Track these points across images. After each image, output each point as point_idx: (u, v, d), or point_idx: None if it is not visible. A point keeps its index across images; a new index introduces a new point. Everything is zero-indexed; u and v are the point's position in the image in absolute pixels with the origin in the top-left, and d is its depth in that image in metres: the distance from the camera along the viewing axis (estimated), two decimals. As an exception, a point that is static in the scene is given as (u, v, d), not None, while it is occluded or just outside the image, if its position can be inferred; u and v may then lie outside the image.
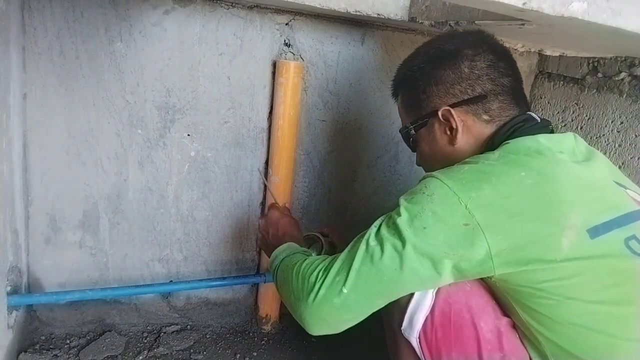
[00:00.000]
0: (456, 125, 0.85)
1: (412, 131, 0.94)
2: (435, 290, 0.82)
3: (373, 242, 0.75)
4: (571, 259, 0.69)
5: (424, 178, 0.79)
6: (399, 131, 1.00)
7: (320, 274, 0.78)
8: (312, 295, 0.77)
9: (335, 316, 0.77)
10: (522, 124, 0.83)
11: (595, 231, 0.71)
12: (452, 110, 0.85)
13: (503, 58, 0.87)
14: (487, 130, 0.86)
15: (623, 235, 0.72)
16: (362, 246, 0.76)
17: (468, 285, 0.81)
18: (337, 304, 0.75)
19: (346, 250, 0.79)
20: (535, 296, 0.72)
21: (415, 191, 0.77)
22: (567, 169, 0.76)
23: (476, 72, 0.85)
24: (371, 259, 0.74)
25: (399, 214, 0.74)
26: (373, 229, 0.77)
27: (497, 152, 0.78)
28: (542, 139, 0.79)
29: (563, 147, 0.80)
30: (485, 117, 0.85)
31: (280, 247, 0.98)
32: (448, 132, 0.88)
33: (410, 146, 0.98)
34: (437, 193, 0.73)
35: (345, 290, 0.74)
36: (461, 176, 0.74)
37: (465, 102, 0.85)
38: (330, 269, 0.77)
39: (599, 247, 0.70)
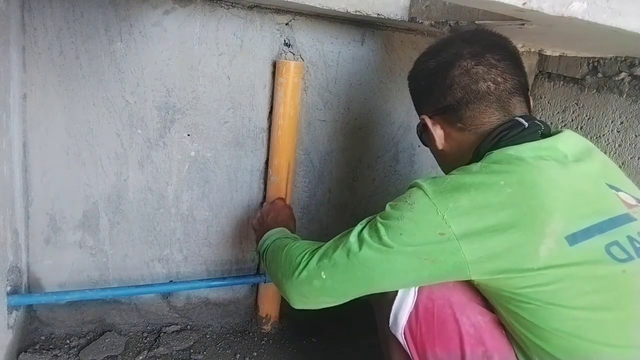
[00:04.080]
0: (432, 133, 0.91)
1: (418, 132, 1.00)
2: (418, 287, 0.84)
3: (353, 238, 0.80)
4: (549, 266, 0.70)
5: (411, 186, 0.82)
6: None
7: (306, 256, 0.85)
8: (296, 274, 0.85)
9: (314, 296, 0.85)
10: (506, 132, 0.82)
11: (574, 238, 0.71)
12: (427, 119, 0.91)
13: (489, 60, 0.83)
14: (467, 137, 0.87)
15: (604, 241, 0.72)
16: (344, 240, 0.81)
17: (451, 282, 0.82)
18: (316, 286, 0.83)
19: (332, 240, 0.85)
20: (515, 300, 0.73)
21: (400, 199, 0.81)
22: (550, 174, 0.75)
23: (447, 81, 0.86)
24: (348, 254, 0.79)
25: (381, 217, 0.80)
26: (358, 227, 0.82)
27: (479, 163, 0.79)
28: (526, 147, 0.78)
29: (549, 152, 0.79)
30: (459, 125, 0.87)
31: (275, 229, 1.08)
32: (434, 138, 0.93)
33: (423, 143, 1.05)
34: (418, 202, 0.77)
35: (323, 276, 0.82)
36: (442, 187, 0.76)
37: (437, 111, 0.90)
38: (314, 254, 0.85)
39: (578, 254, 0.70)
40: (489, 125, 0.85)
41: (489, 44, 0.86)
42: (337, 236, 0.86)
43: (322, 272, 0.81)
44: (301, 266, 0.84)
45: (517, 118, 0.83)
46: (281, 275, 0.89)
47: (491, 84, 0.84)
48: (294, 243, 0.93)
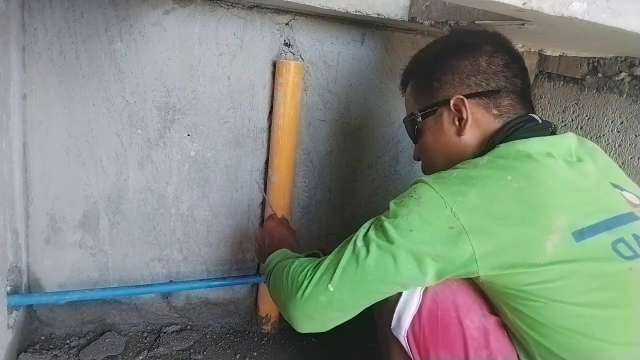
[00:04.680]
0: (467, 116, 0.86)
1: (419, 119, 0.94)
2: (423, 290, 0.83)
3: (360, 243, 0.77)
4: (555, 262, 0.70)
5: (414, 182, 0.80)
6: (404, 120, 1.00)
7: (309, 272, 0.80)
8: (300, 292, 0.79)
9: (321, 313, 0.80)
10: (522, 125, 0.84)
11: (580, 234, 0.71)
12: (466, 100, 0.86)
13: (517, 61, 0.90)
14: (494, 125, 0.87)
15: (610, 238, 0.72)
16: (350, 246, 0.78)
17: (455, 284, 0.82)
18: (323, 302, 0.78)
19: (335, 251, 0.81)
20: (520, 298, 0.73)
21: (405, 195, 0.79)
22: (556, 172, 0.76)
23: (493, 67, 0.87)
24: (357, 259, 0.76)
25: (387, 217, 0.77)
26: (362, 231, 0.79)
27: (486, 157, 0.79)
28: (535, 142, 0.80)
29: (557, 149, 0.80)
30: (495, 111, 0.87)
31: (274, 253, 1.00)
32: (456, 123, 0.88)
33: (413, 136, 0.98)
34: (425, 197, 0.75)
35: (331, 288, 0.76)
36: (449, 181, 0.76)
37: (479, 94, 0.86)
38: (318, 268, 0.80)
39: (584, 251, 0.70)
40: (514, 116, 0.87)
41: (512, 49, 0.92)
42: (338, 247, 0.82)
43: (329, 285, 0.76)
44: (304, 283, 0.79)
45: (531, 114, 0.88)
46: (284, 297, 0.83)
47: (522, 81, 0.89)
48: (293, 262, 0.87)
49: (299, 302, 0.79)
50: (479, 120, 0.87)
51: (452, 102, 0.87)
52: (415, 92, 0.97)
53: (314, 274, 0.79)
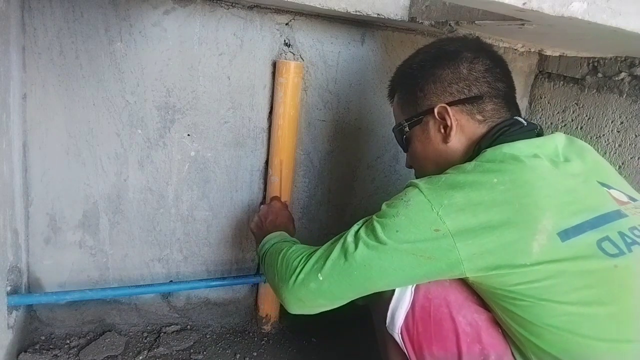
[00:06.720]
0: (451, 123, 0.88)
1: (407, 128, 0.97)
2: (415, 287, 0.85)
3: (350, 239, 0.81)
4: (542, 262, 0.71)
5: (407, 185, 0.83)
6: (392, 129, 1.03)
7: (303, 259, 0.86)
8: (293, 277, 0.85)
9: (310, 299, 0.85)
10: (507, 128, 0.86)
11: (565, 234, 0.72)
12: (449, 108, 0.88)
13: (499, 65, 0.91)
14: (479, 130, 0.88)
15: (596, 237, 0.73)
16: (341, 241, 0.82)
17: (447, 281, 0.83)
18: (313, 289, 0.83)
19: (328, 243, 0.86)
20: (509, 297, 0.74)
21: (396, 197, 0.82)
22: (542, 172, 0.77)
23: (474, 73, 0.88)
24: (345, 254, 0.80)
25: (377, 217, 0.81)
26: (354, 227, 0.83)
27: (473, 162, 0.80)
28: (521, 144, 0.81)
29: (543, 150, 0.82)
30: (479, 117, 0.88)
31: (274, 233, 1.06)
32: (442, 130, 0.90)
33: (402, 144, 1.02)
34: (413, 200, 0.78)
35: (320, 278, 0.81)
36: (437, 185, 0.78)
37: (461, 101, 0.88)
38: (311, 257, 0.85)
39: (570, 250, 0.71)
40: (499, 120, 0.88)
41: (493, 53, 0.93)
42: (332, 239, 0.86)
43: (319, 274, 0.81)
44: (298, 269, 0.84)
45: (516, 117, 0.89)
46: (278, 279, 0.89)
47: (505, 85, 0.91)
48: (290, 247, 0.93)
49: (291, 286, 0.85)
50: (464, 126, 0.89)
51: (436, 110, 0.89)
52: (402, 103, 0.99)
53: (307, 262, 0.84)
